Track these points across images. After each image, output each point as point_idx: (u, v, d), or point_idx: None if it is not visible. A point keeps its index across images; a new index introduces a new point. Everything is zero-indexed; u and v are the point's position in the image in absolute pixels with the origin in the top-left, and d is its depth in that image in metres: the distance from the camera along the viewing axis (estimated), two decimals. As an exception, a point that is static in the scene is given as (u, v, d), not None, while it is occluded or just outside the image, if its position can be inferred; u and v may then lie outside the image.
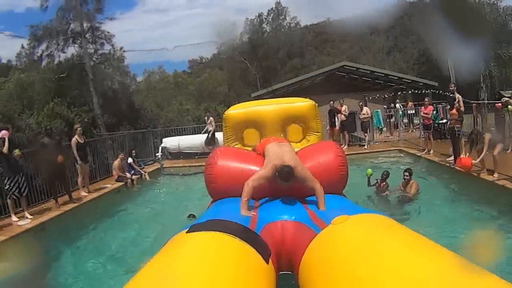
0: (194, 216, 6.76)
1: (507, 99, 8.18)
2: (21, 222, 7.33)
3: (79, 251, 6.31)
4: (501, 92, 10.18)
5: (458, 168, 9.03)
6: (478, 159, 8.25)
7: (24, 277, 4.90)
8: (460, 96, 10.23)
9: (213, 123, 14.63)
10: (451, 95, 10.45)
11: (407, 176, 7.97)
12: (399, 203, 7.65)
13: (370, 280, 2.35)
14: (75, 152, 9.28)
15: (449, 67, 14.30)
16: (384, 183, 8.13)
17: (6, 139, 7.43)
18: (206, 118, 15.20)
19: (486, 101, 11.73)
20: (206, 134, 14.70)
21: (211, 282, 2.33)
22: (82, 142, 9.59)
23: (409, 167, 8.60)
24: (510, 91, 9.84)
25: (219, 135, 13.83)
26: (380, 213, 3.67)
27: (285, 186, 4.18)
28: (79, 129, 9.62)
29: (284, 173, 4.12)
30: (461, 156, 8.76)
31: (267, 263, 3.07)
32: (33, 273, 5.03)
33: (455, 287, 2.07)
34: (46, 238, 6.97)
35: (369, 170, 8.62)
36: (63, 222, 7.70)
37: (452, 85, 10.49)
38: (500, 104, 9.10)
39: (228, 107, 6.44)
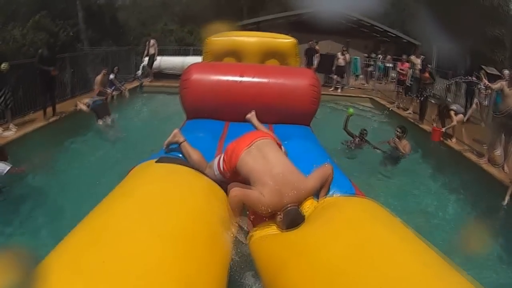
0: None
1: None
2: (6, 133, 7.48)
3: (58, 163, 6.51)
4: (483, 66, 10.62)
5: (422, 127, 9.91)
6: (445, 128, 8.84)
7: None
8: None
9: (155, 45, 14.58)
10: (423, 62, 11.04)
11: (399, 133, 7.22)
12: (386, 158, 7.31)
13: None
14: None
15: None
16: (363, 140, 7.61)
17: None
18: (147, 42, 14.95)
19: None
20: (148, 57, 14.63)
21: (170, 214, 2.27)
22: None
23: (402, 125, 7.73)
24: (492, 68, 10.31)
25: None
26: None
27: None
28: None
29: (295, 224, 2.74)
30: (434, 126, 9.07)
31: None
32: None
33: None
34: (29, 149, 7.03)
35: (351, 110, 7.82)
36: (46, 133, 7.94)
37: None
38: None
39: (212, 33, 6.54)
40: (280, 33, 6.89)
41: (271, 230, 2.84)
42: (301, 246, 2.36)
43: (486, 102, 10.25)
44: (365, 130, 7.75)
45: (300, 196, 2.93)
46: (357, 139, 7.65)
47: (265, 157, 3.07)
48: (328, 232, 2.40)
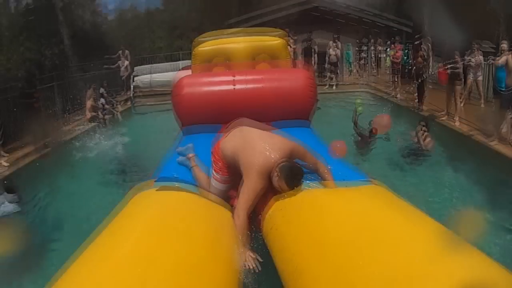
0: None
1: None
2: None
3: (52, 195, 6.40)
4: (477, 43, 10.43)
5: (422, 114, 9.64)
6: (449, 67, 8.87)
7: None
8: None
9: (128, 56, 14.75)
10: (416, 42, 10.84)
11: (424, 129, 6.92)
12: (405, 152, 6.99)
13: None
14: None
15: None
16: (373, 137, 7.15)
17: None
18: (121, 51, 14.92)
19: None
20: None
21: (173, 243, 2.15)
22: None
23: (424, 119, 7.52)
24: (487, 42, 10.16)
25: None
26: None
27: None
28: None
29: (295, 177, 2.76)
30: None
31: None
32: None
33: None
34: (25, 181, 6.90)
35: (360, 108, 7.52)
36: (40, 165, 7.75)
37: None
38: None
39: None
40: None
41: (284, 216, 2.71)
42: (315, 236, 2.30)
43: (479, 75, 10.11)
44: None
45: (285, 147, 2.88)
46: (366, 138, 7.23)
47: (242, 131, 3.10)
48: (339, 220, 2.35)
